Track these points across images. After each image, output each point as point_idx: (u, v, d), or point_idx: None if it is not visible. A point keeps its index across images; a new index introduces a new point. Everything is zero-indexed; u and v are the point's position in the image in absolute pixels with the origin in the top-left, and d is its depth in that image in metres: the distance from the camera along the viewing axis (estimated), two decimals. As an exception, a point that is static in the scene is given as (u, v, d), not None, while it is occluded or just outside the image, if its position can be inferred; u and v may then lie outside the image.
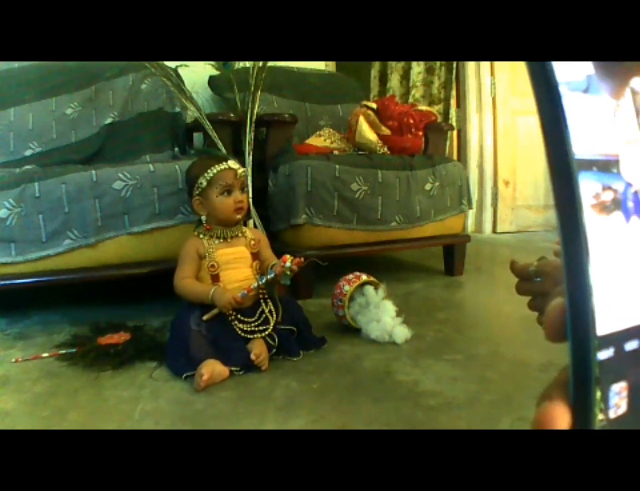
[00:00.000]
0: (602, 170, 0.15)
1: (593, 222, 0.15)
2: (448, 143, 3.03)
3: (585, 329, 0.15)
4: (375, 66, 3.23)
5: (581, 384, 0.15)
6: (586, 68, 0.17)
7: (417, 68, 3.10)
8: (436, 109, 3.06)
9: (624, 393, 0.16)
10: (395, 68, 3.18)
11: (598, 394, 0.15)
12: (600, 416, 0.16)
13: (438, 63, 3.09)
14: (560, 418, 0.16)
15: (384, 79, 3.21)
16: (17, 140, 1.83)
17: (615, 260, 0.15)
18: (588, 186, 0.15)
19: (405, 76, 3.15)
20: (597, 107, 0.16)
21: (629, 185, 0.16)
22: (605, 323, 0.15)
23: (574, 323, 0.15)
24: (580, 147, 0.15)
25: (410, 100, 3.06)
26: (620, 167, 0.16)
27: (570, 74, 0.16)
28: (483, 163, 3.15)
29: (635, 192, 0.16)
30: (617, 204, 0.16)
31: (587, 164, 0.15)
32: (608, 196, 0.15)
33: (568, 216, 0.15)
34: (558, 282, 0.18)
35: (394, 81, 3.17)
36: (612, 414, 0.16)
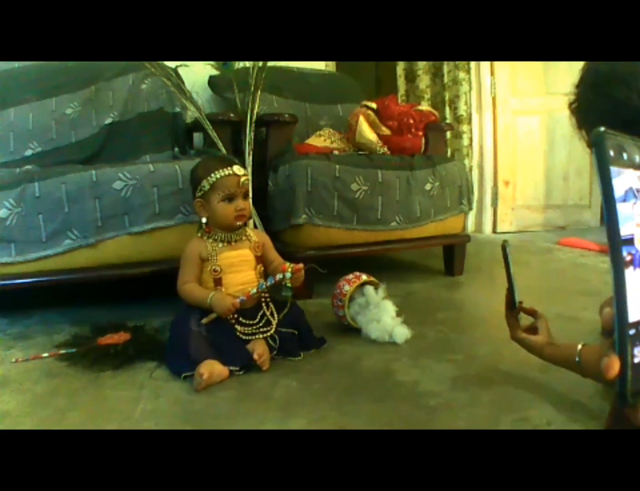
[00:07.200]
0: (628, 244, 0.31)
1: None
2: (466, 144, 3.00)
3: (623, 320, 0.30)
4: (400, 65, 3.16)
5: (622, 345, 0.30)
6: (628, 182, 0.31)
7: (447, 67, 3.00)
8: (465, 109, 2.99)
9: None
10: (426, 66, 3.07)
11: (630, 350, 0.30)
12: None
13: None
14: (616, 360, 0.30)
15: (410, 76, 3.13)
16: (17, 140, 1.82)
17: (632, 288, 0.30)
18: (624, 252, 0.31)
19: (437, 74, 3.05)
20: (629, 207, 0.31)
21: (637, 251, 0.31)
22: (631, 316, 0.30)
23: (619, 317, 0.30)
24: (622, 230, 0.30)
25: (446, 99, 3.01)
26: (635, 241, 0.31)
27: (619, 190, 0.30)
28: (483, 163, 3.15)
29: None
30: (633, 261, 0.31)
31: (624, 241, 0.30)
32: (629, 257, 0.31)
33: (618, 267, 0.30)
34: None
35: (426, 80, 3.08)
36: (636, 360, 0.31)
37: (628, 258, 0.30)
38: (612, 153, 0.30)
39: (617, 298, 0.30)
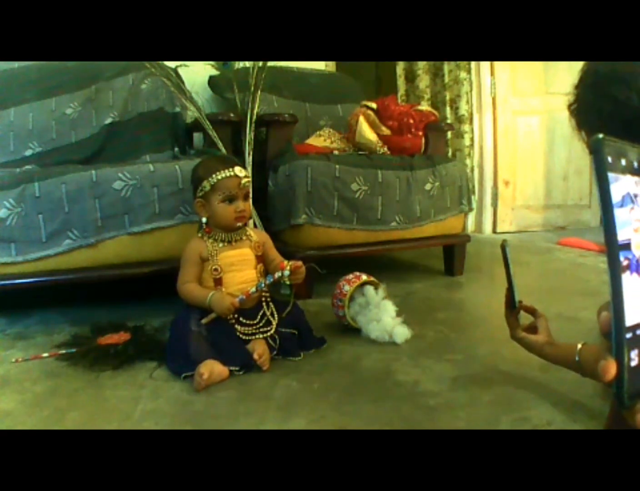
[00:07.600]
0: (625, 249, 0.31)
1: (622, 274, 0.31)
2: (468, 144, 2.99)
3: (620, 324, 0.30)
4: (400, 65, 3.15)
5: (619, 349, 0.31)
6: (625, 188, 0.31)
7: (448, 66, 2.99)
8: (466, 109, 2.98)
9: (637, 354, 0.31)
10: (426, 66, 3.06)
11: (626, 353, 0.31)
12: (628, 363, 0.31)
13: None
14: (613, 364, 0.31)
15: (410, 76, 3.12)
16: (17, 140, 1.83)
17: (628, 292, 0.30)
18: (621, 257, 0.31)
19: (438, 74, 3.05)
20: (626, 213, 0.31)
21: (634, 256, 0.31)
22: (628, 320, 0.30)
23: (616, 321, 0.30)
24: (619, 235, 0.31)
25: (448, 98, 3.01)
26: (632, 246, 0.31)
27: (616, 196, 0.31)
28: (483, 163, 3.15)
29: (637, 260, 0.32)
30: (630, 266, 0.31)
31: (621, 246, 0.31)
32: (626, 262, 0.31)
33: (615, 272, 0.30)
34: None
35: (426, 80, 3.07)
36: (632, 363, 0.31)
37: (625, 263, 0.31)
38: (610, 159, 0.31)
39: (614, 303, 0.31)
